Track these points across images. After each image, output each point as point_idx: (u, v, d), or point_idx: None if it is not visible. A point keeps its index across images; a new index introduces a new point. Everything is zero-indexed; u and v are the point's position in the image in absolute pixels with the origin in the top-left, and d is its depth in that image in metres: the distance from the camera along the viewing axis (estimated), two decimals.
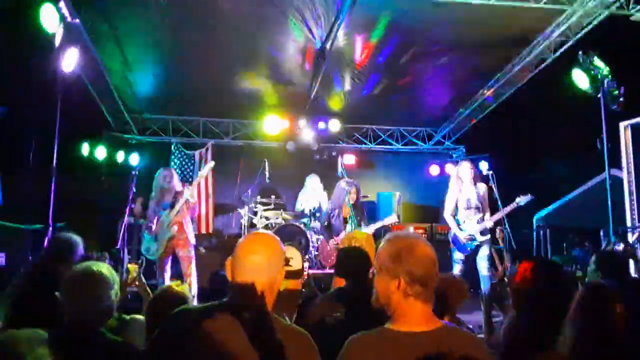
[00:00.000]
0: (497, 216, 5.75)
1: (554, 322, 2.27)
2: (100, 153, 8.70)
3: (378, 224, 6.24)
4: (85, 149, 8.43)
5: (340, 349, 1.67)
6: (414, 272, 1.64)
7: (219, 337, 1.56)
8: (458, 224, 5.85)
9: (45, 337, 1.86)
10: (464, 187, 5.86)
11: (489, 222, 5.72)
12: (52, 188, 5.07)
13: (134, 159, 8.92)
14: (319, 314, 2.44)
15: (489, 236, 5.78)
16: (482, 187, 5.87)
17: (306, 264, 6.44)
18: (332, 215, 6.17)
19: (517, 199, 5.67)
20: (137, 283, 3.20)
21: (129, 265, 3.25)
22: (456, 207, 5.92)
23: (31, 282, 3.09)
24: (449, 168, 10.32)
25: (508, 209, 5.68)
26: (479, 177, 5.94)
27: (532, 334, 2.29)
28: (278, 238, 1.80)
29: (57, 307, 2.04)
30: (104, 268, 2.13)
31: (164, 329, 1.67)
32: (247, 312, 1.62)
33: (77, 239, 3.39)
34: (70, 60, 5.34)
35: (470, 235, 5.74)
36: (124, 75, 7.80)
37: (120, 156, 9.00)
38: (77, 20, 5.72)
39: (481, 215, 5.79)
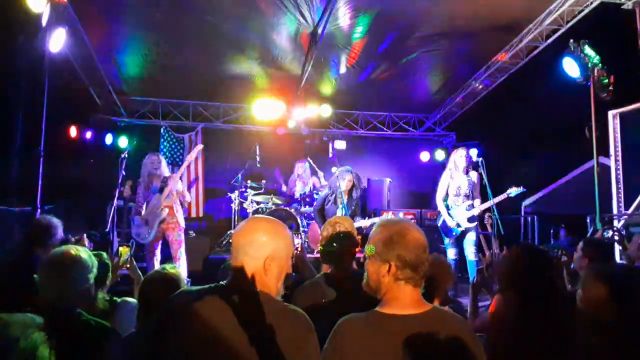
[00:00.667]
0: (487, 205, 5.81)
1: (540, 306, 2.33)
2: (89, 135, 8.65)
3: (362, 222, 5.74)
4: (73, 131, 8.35)
5: (329, 332, 1.69)
6: (405, 257, 1.66)
7: (208, 319, 1.58)
8: (447, 209, 5.96)
9: (39, 322, 1.85)
10: (456, 174, 5.94)
11: (477, 210, 5.81)
12: (40, 170, 5.03)
13: (123, 142, 8.87)
14: (309, 300, 2.45)
15: (475, 223, 5.86)
16: (474, 175, 5.97)
17: (298, 241, 6.38)
18: (327, 200, 6.17)
19: (509, 190, 5.72)
20: (128, 266, 3.20)
21: (121, 248, 3.24)
22: (447, 192, 6.02)
23: (10, 265, 3.06)
24: (439, 154, 10.39)
25: (498, 199, 5.73)
26: (472, 164, 6.01)
27: (518, 318, 2.33)
28: (281, 223, 1.79)
29: (36, 290, 2.03)
30: (82, 251, 2.12)
31: (161, 311, 1.69)
32: (235, 295, 1.63)
33: (57, 222, 3.36)
34: (57, 41, 5.25)
35: (456, 221, 5.84)
36: (112, 56, 7.68)
37: (108, 139, 8.94)
38: (65, 0, 5.61)
39: (470, 202, 5.87)
